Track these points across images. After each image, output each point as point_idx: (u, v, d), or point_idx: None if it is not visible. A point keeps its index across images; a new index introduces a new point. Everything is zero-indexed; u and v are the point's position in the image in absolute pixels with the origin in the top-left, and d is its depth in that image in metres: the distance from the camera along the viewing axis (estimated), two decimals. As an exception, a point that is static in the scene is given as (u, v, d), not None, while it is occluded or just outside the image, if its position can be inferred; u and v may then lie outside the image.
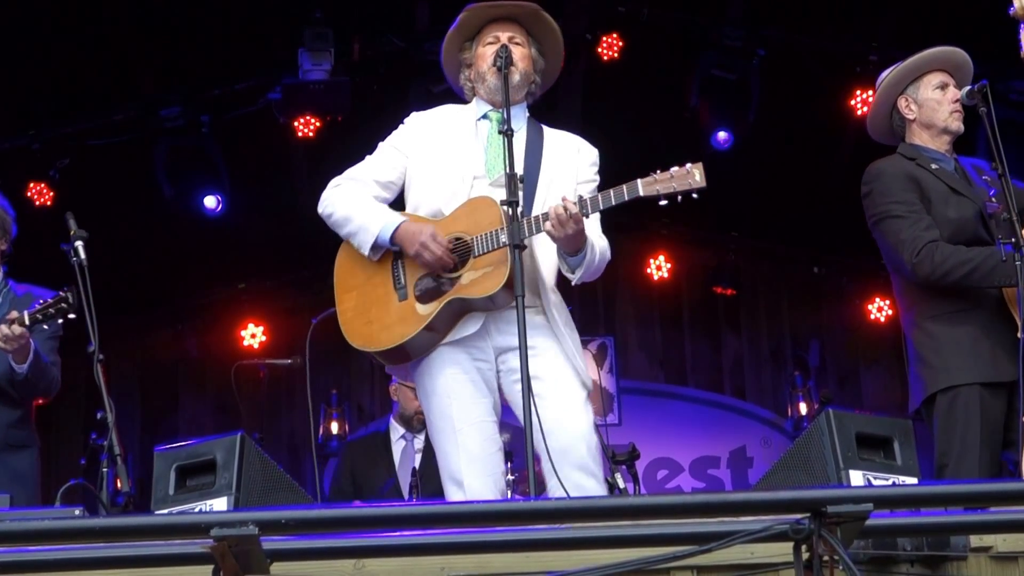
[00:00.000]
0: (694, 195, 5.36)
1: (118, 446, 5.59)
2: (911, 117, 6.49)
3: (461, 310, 5.49)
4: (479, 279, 5.41)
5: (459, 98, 6.06)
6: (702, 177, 5.36)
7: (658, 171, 5.38)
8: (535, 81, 5.88)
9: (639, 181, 5.36)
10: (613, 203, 5.37)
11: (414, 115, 5.92)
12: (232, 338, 12.79)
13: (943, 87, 6.45)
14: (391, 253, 5.62)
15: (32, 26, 9.63)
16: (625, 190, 5.36)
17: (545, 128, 5.89)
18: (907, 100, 6.50)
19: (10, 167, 10.49)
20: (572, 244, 5.44)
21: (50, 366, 6.72)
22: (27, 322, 6.32)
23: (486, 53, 5.80)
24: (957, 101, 6.40)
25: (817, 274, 13.70)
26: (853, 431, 5.35)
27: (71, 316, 6.30)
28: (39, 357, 6.56)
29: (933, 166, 6.33)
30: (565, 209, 5.29)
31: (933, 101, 6.44)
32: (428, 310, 5.47)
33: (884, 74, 6.60)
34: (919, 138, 6.49)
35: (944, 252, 6.08)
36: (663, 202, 5.37)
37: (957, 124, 6.45)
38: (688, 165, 5.37)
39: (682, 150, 10.57)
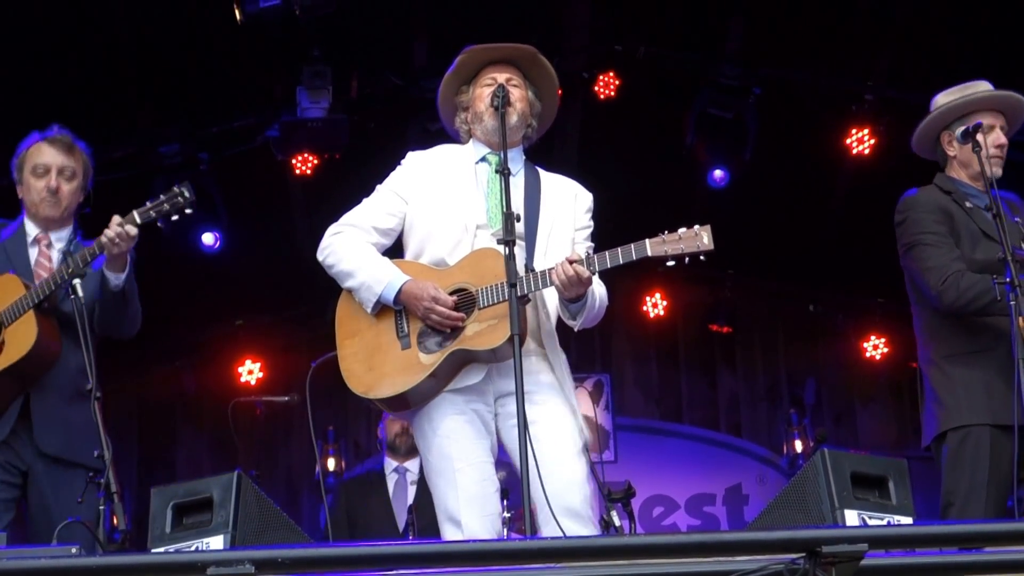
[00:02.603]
0: (701, 257, 5.37)
1: (115, 483, 5.53)
2: (952, 154, 6.50)
3: (464, 360, 5.48)
4: (484, 331, 5.40)
5: (454, 139, 6.07)
6: (710, 240, 5.34)
7: (666, 232, 5.37)
8: (531, 124, 5.88)
9: (647, 241, 5.35)
10: (621, 262, 5.35)
11: (411, 156, 5.91)
12: (229, 375, 12.79)
13: (990, 130, 6.44)
14: None
15: (31, 63, 9.66)
16: (633, 250, 5.35)
17: (541, 172, 5.90)
18: (950, 137, 6.50)
19: (8, 203, 10.51)
20: (574, 295, 5.48)
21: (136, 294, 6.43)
22: (139, 220, 6.05)
23: (483, 94, 5.80)
24: (1000, 146, 6.41)
25: (813, 312, 13.72)
26: (848, 470, 5.36)
27: (188, 211, 6.09)
28: (132, 273, 6.28)
29: (967, 204, 6.34)
30: (577, 274, 5.30)
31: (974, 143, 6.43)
32: (431, 360, 5.46)
33: (938, 97, 6.60)
34: (957, 173, 6.50)
35: (970, 280, 6.12)
36: (670, 263, 5.38)
37: (996, 170, 6.43)
38: (696, 227, 5.36)
39: (678, 188, 10.66)
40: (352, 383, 5.60)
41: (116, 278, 6.18)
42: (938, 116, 6.51)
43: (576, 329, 5.67)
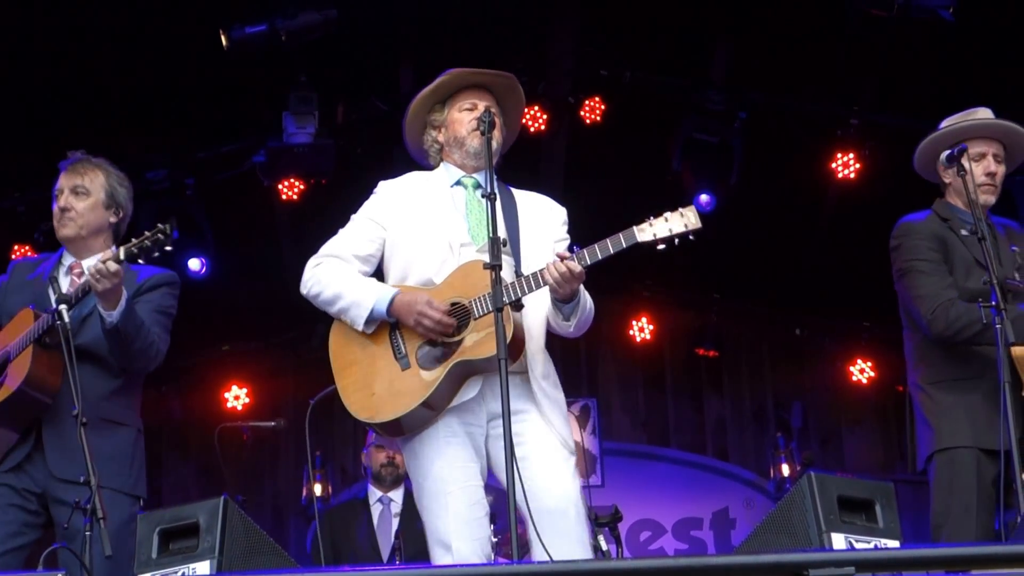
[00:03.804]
0: (690, 236, 5.37)
1: (101, 509, 5.49)
2: (947, 181, 6.52)
3: (465, 373, 5.49)
4: (483, 340, 5.40)
5: (413, 160, 6.10)
6: (696, 218, 5.35)
7: (652, 217, 5.38)
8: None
9: (635, 229, 5.34)
10: (612, 252, 5.35)
11: (383, 184, 5.93)
12: (216, 400, 12.77)
13: (980, 158, 6.46)
14: (387, 325, 5.61)
15: (16, 89, 9.67)
16: (623, 238, 5.35)
17: (513, 189, 5.93)
18: (944, 165, 6.52)
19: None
20: (569, 292, 5.48)
21: (148, 328, 6.31)
22: (122, 256, 5.94)
23: (463, 118, 5.83)
24: (991, 175, 6.43)
25: (799, 336, 13.73)
26: (835, 494, 5.36)
27: (168, 248, 5.95)
28: (133, 310, 6.17)
29: (963, 232, 6.35)
30: (569, 269, 5.31)
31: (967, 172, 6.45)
32: (433, 376, 5.45)
33: (943, 122, 6.62)
34: (954, 200, 6.51)
35: (959, 309, 6.15)
36: (661, 246, 5.37)
37: (985, 198, 6.43)
38: (681, 208, 5.38)
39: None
40: (356, 410, 5.57)
41: (109, 315, 6.10)
42: (932, 142, 6.54)
43: (571, 332, 5.65)
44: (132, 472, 6.34)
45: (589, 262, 5.36)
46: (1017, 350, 6.06)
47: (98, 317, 6.12)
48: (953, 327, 6.16)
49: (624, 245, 5.37)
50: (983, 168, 6.44)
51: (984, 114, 6.55)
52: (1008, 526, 6.11)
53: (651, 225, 5.36)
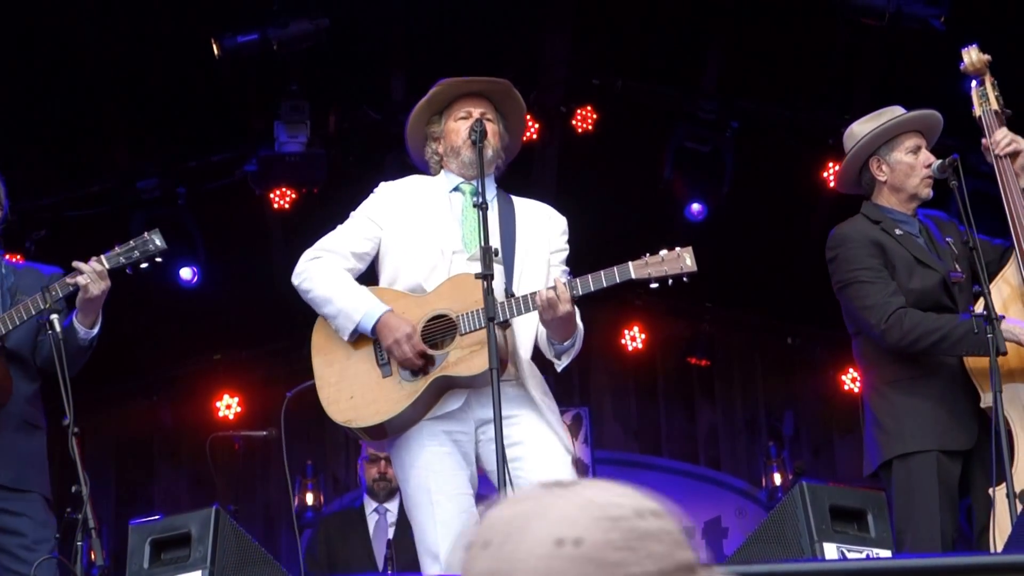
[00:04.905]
0: (684, 279, 5.39)
1: (92, 519, 5.49)
2: (882, 179, 6.46)
3: (445, 387, 5.49)
4: (466, 357, 5.41)
5: (423, 171, 6.09)
6: (693, 261, 5.37)
7: (648, 254, 5.39)
8: (501, 156, 5.91)
9: (630, 264, 5.37)
10: (604, 285, 5.37)
11: (384, 185, 5.93)
12: (207, 409, 12.73)
13: (916, 150, 6.43)
14: None
15: (7, 98, 9.65)
16: (616, 273, 5.37)
17: (513, 198, 5.93)
18: (879, 162, 6.45)
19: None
20: (562, 330, 5.47)
21: None
22: (106, 264, 5.91)
23: (459, 128, 5.83)
24: (929, 166, 6.40)
25: (791, 345, 13.71)
26: (827, 503, 5.37)
27: (159, 260, 5.92)
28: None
29: (897, 231, 6.31)
30: (558, 295, 5.30)
31: (906, 165, 6.39)
32: (413, 388, 5.46)
33: (855, 127, 6.57)
34: (886, 200, 6.47)
35: (913, 319, 6.08)
36: (654, 285, 5.39)
37: (927, 191, 6.42)
38: (678, 249, 5.39)
39: (656, 222, 10.69)
40: (332, 412, 5.59)
41: (86, 332, 6.11)
42: (867, 143, 6.48)
43: (559, 370, 5.68)
44: (46, 476, 6.31)
45: (580, 292, 5.37)
46: (971, 361, 6.07)
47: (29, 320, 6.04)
48: (908, 337, 6.08)
49: (617, 279, 5.40)
50: (923, 161, 6.41)
51: (900, 110, 6.55)
52: (977, 538, 6.10)
53: (647, 264, 5.38)
